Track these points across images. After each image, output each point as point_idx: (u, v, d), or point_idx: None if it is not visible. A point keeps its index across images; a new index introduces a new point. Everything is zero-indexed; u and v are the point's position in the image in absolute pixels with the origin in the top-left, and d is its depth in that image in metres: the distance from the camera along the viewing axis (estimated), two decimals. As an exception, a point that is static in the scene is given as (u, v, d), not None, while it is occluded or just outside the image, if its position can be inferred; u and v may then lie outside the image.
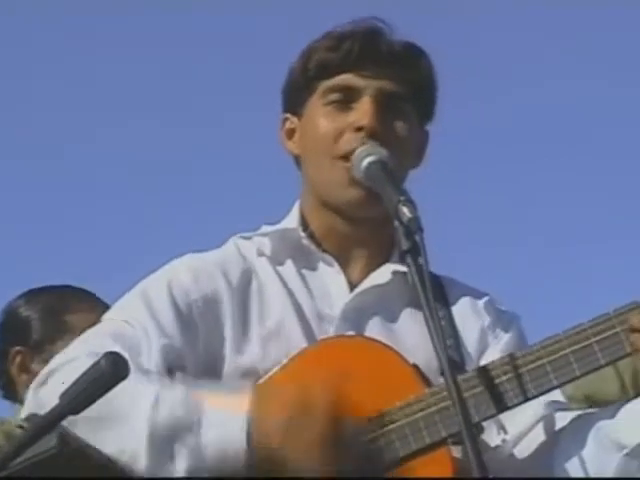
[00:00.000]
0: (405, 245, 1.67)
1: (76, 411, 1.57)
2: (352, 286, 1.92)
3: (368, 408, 1.74)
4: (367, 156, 1.82)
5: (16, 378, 2.63)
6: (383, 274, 1.91)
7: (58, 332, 2.56)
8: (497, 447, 1.86)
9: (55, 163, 5.81)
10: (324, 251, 1.93)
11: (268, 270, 1.92)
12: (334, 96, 1.90)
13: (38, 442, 1.58)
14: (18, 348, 2.66)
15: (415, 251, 1.66)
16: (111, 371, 1.54)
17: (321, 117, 1.90)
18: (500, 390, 1.73)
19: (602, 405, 2.53)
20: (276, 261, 1.93)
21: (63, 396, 1.56)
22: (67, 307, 2.59)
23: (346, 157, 1.87)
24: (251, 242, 1.97)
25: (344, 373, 1.75)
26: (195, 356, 1.84)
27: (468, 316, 1.94)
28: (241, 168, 5.47)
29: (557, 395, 1.89)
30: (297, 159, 2.00)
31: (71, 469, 1.71)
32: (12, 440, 2.34)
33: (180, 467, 1.65)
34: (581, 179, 5.67)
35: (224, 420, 1.65)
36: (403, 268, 1.87)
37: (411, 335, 1.87)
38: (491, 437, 1.86)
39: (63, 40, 5.73)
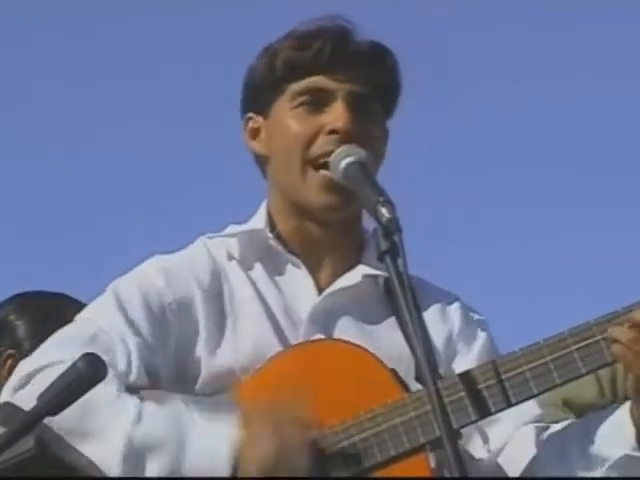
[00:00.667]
0: (384, 246, 1.65)
1: (54, 412, 1.57)
2: (320, 289, 1.89)
3: (347, 412, 1.73)
4: (346, 157, 1.80)
5: (3, 381, 2.61)
6: (353, 276, 1.89)
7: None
8: (481, 459, 1.84)
9: (51, 163, 5.81)
10: (292, 253, 1.91)
11: (238, 273, 1.90)
12: (304, 98, 1.87)
13: (16, 444, 1.58)
14: (10, 352, 2.64)
15: (394, 252, 1.65)
16: (89, 372, 1.54)
17: (291, 119, 1.87)
18: (480, 397, 1.72)
19: (580, 409, 2.51)
20: (245, 264, 1.91)
21: (41, 397, 1.56)
22: (59, 314, 2.57)
23: (318, 161, 1.85)
24: (220, 242, 1.94)
25: (321, 377, 1.74)
26: (166, 359, 1.83)
27: (436, 321, 1.91)
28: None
29: (533, 406, 1.88)
30: (261, 159, 1.97)
31: (48, 470, 1.70)
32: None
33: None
34: (556, 174, 5.68)
35: (209, 446, 1.66)
36: (374, 271, 1.87)
37: (382, 339, 1.85)
38: (475, 449, 1.85)
39: (63, 40, 5.74)
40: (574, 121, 5.76)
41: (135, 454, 1.66)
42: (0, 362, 2.65)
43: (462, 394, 1.71)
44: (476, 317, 1.99)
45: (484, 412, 1.72)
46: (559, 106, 5.66)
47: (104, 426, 1.64)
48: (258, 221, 1.94)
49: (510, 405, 1.72)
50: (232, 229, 1.96)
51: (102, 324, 1.82)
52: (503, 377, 1.71)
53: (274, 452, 1.64)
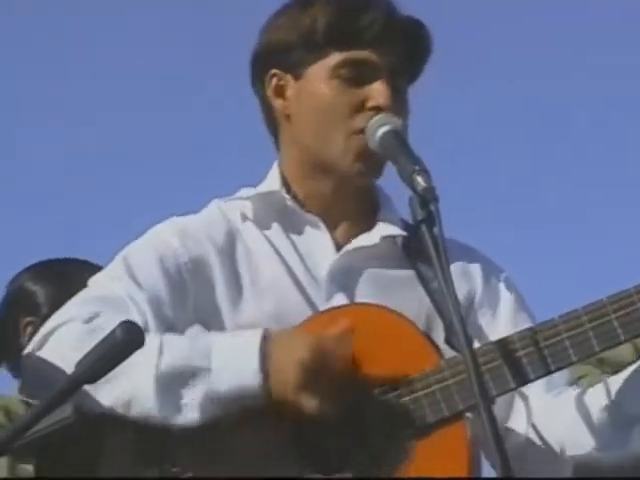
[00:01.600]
0: (420, 215, 1.65)
1: (92, 380, 1.56)
2: (339, 247, 1.90)
3: (383, 378, 1.74)
4: (382, 125, 1.80)
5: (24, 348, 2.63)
6: (372, 237, 1.89)
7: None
8: (516, 431, 1.85)
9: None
10: (309, 212, 1.91)
11: (254, 233, 1.89)
12: (348, 69, 1.86)
13: (54, 412, 1.59)
14: (29, 319, 2.65)
15: (430, 221, 1.65)
16: (127, 340, 1.54)
17: (332, 89, 1.86)
18: (518, 364, 1.72)
19: (616, 367, 2.51)
20: (261, 224, 1.90)
21: (79, 365, 1.56)
22: (75, 278, 2.57)
23: (361, 132, 1.84)
24: (234, 205, 1.94)
25: (357, 343, 1.73)
26: (187, 318, 1.83)
27: (458, 280, 1.85)
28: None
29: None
30: (278, 118, 1.94)
31: (87, 438, 1.71)
32: (16, 415, 2.37)
33: (192, 412, 1.69)
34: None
35: (236, 359, 1.68)
36: (393, 231, 1.89)
37: (401, 297, 1.85)
38: (515, 419, 1.86)
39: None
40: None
41: (166, 385, 1.69)
42: (20, 329, 2.66)
43: (500, 361, 1.72)
44: (500, 275, 1.97)
45: (523, 379, 1.72)
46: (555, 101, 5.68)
47: (130, 364, 1.60)
48: (272, 183, 1.93)
49: (549, 372, 1.73)
50: (246, 192, 1.96)
51: (116, 287, 1.82)
52: (542, 345, 1.71)
53: (312, 357, 1.65)
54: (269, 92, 1.93)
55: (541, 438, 1.84)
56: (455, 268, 1.88)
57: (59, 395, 1.57)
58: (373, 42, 1.85)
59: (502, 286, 1.95)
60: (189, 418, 1.69)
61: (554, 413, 1.84)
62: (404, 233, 1.89)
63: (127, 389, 1.69)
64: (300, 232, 1.91)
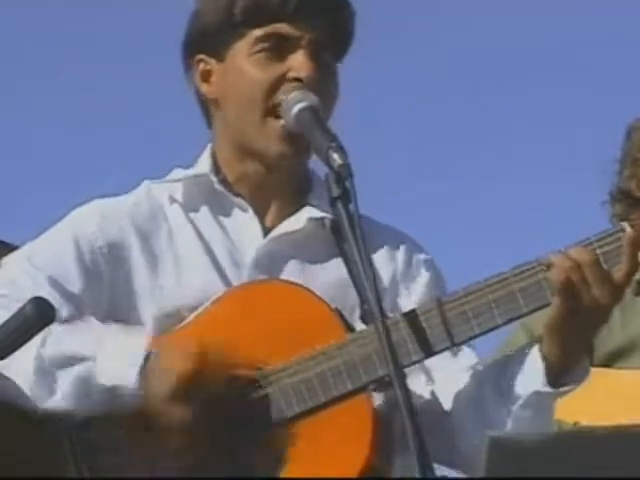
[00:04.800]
0: (335, 192, 1.66)
1: (2, 355, 1.58)
2: (267, 232, 1.91)
3: (290, 352, 1.74)
4: (298, 102, 1.79)
5: None
6: (299, 220, 1.89)
7: None
8: (424, 397, 1.85)
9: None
10: (238, 196, 1.92)
11: (180, 216, 1.90)
12: (266, 45, 1.85)
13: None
14: None
15: (345, 197, 1.66)
16: (36, 316, 1.56)
17: (251, 65, 1.86)
18: (423, 336, 1.73)
19: None
20: (189, 207, 1.91)
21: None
22: None
23: (278, 109, 1.84)
24: (163, 187, 1.94)
25: (261, 318, 1.76)
26: (99, 306, 1.84)
27: (383, 261, 1.91)
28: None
29: (470, 354, 1.89)
30: (208, 103, 1.95)
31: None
32: None
33: (63, 397, 1.69)
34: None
35: (122, 357, 1.69)
36: (319, 213, 1.89)
37: (326, 281, 1.86)
38: (419, 387, 1.85)
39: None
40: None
41: (45, 369, 1.69)
42: None
43: (408, 332, 1.72)
44: (422, 257, 1.98)
45: (427, 351, 1.73)
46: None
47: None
48: (202, 165, 1.94)
49: (453, 345, 1.74)
50: (176, 174, 1.96)
51: (24, 269, 1.83)
52: (448, 315, 1.72)
53: (190, 370, 1.66)
54: (196, 78, 1.94)
55: (431, 393, 1.85)
56: (381, 250, 1.93)
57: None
58: (291, 16, 1.85)
59: (421, 266, 1.96)
60: (59, 403, 1.70)
61: (450, 376, 1.86)
62: (330, 215, 1.87)
63: (12, 369, 1.68)
64: (228, 216, 1.92)
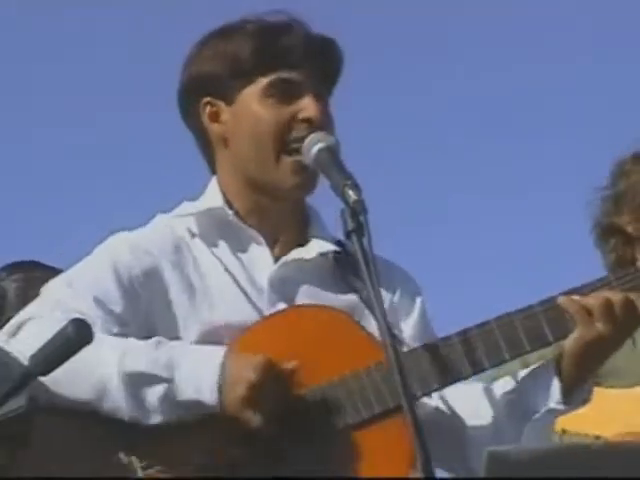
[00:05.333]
0: (350, 225, 1.82)
1: (44, 372, 1.71)
2: (276, 259, 2.09)
3: (331, 373, 1.93)
4: (317, 143, 1.98)
5: None
6: (309, 251, 2.08)
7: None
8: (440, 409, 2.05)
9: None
10: (250, 227, 2.09)
11: (200, 247, 2.08)
12: (275, 90, 2.05)
13: (7, 403, 1.72)
14: None
15: (360, 231, 1.81)
16: (77, 336, 1.69)
17: (264, 109, 2.05)
18: (443, 366, 1.91)
19: None
20: (207, 239, 2.09)
21: (32, 358, 1.70)
22: (36, 281, 2.70)
23: (291, 146, 2.03)
24: (179, 221, 2.12)
25: (308, 342, 1.94)
26: (138, 328, 1.99)
27: (383, 289, 2.02)
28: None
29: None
30: (214, 142, 2.12)
31: (44, 426, 1.85)
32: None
33: (154, 413, 1.89)
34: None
35: (198, 375, 1.87)
36: (328, 247, 2.08)
37: (339, 305, 2.02)
38: (439, 403, 2.05)
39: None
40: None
41: (131, 385, 1.87)
42: None
43: (427, 362, 1.91)
44: (412, 286, 2.17)
45: (446, 381, 1.91)
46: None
47: (93, 361, 1.83)
48: (214, 199, 2.11)
49: (468, 376, 1.92)
50: (187, 207, 2.13)
51: (69, 292, 2.00)
52: (460, 351, 1.92)
53: (258, 378, 1.85)
54: (204, 118, 2.10)
55: (449, 408, 2.02)
56: (381, 280, 2.05)
57: (13, 388, 1.71)
58: (296, 63, 2.05)
59: (415, 295, 2.16)
60: (151, 418, 1.88)
61: (462, 391, 2.02)
62: (337, 249, 2.07)
63: (94, 385, 1.87)
64: (242, 245, 2.09)
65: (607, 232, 2.73)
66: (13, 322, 1.97)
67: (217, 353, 1.90)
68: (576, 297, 1.90)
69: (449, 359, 1.90)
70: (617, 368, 2.49)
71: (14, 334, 1.94)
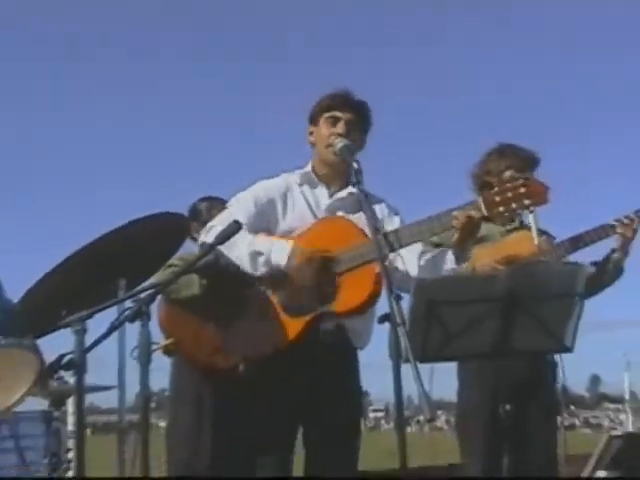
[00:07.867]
0: (354, 180, 3.99)
1: (220, 244, 3.84)
2: (331, 195, 4.33)
3: (341, 247, 4.14)
4: (340, 142, 4.20)
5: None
6: (344, 192, 4.32)
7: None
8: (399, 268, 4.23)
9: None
10: (320, 181, 4.33)
11: (297, 189, 4.32)
12: (330, 120, 4.28)
13: (201, 260, 3.89)
14: (195, 224, 5.00)
15: (360, 182, 3.99)
16: (235, 228, 3.80)
17: (324, 128, 4.28)
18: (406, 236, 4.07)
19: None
20: (302, 186, 4.33)
21: (216, 238, 3.83)
22: (215, 205, 5.11)
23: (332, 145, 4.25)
24: (292, 176, 4.35)
25: (333, 234, 4.17)
26: (262, 226, 4.22)
27: (377, 210, 4.29)
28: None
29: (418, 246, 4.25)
30: (311, 144, 4.38)
31: (219, 274, 4.30)
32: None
33: (262, 268, 4.15)
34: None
35: (280, 249, 4.12)
36: (352, 190, 4.25)
37: (358, 222, 4.11)
38: (399, 264, 4.23)
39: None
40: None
41: (252, 256, 4.12)
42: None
43: (403, 229, 4.11)
44: (393, 209, 4.44)
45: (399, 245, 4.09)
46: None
47: (238, 243, 4.10)
48: (307, 168, 4.39)
49: (407, 245, 4.10)
50: (297, 171, 4.41)
51: (234, 211, 4.24)
52: (413, 230, 4.07)
53: (309, 255, 4.06)
54: (308, 134, 4.39)
55: (403, 263, 4.18)
56: (376, 206, 4.36)
57: (204, 252, 3.86)
58: (339, 108, 4.32)
59: (394, 215, 4.41)
60: (260, 270, 4.12)
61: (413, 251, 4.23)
62: (356, 191, 4.12)
63: (237, 255, 4.15)
64: (315, 188, 4.38)
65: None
66: (208, 225, 4.23)
67: (290, 241, 4.08)
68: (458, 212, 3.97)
69: (419, 229, 4.00)
70: (481, 237, 4.53)
71: (208, 231, 4.18)
